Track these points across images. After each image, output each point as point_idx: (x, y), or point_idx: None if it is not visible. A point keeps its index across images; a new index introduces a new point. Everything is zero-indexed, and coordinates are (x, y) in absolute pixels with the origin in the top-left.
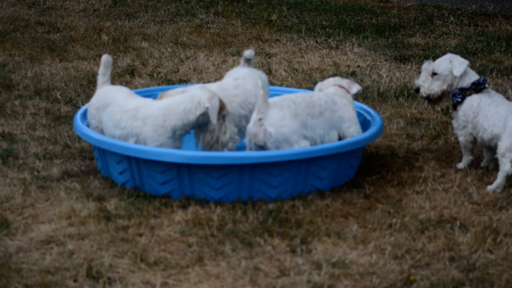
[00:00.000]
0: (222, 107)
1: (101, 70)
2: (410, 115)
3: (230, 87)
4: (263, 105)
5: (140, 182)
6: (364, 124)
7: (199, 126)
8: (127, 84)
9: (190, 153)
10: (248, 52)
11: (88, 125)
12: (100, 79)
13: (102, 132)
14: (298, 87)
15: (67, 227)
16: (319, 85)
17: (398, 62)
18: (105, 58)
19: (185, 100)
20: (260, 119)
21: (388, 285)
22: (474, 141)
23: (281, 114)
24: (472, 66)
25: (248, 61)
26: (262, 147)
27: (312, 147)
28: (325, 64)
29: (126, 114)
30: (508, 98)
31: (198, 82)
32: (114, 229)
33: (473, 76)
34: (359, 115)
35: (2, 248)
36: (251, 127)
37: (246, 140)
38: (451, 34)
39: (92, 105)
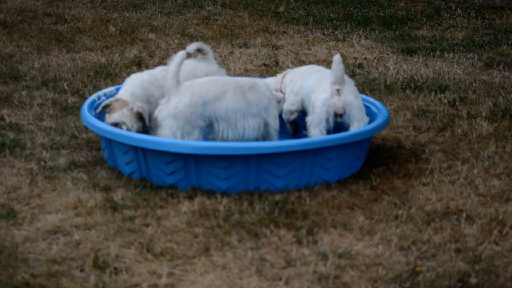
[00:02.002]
0: None
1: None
2: (417, 107)
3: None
4: (338, 79)
5: (146, 173)
6: (371, 116)
7: None
8: None
9: (197, 144)
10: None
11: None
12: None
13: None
14: None
15: (73, 217)
16: None
17: (405, 54)
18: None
19: None
20: (338, 90)
21: (394, 276)
22: None
23: (353, 88)
24: (479, 59)
25: (200, 52)
26: (339, 117)
27: (318, 138)
28: (332, 56)
29: None
30: None
31: None
32: (120, 219)
33: None
34: (366, 107)
35: (9, 238)
36: (328, 97)
37: (320, 114)
38: (458, 26)
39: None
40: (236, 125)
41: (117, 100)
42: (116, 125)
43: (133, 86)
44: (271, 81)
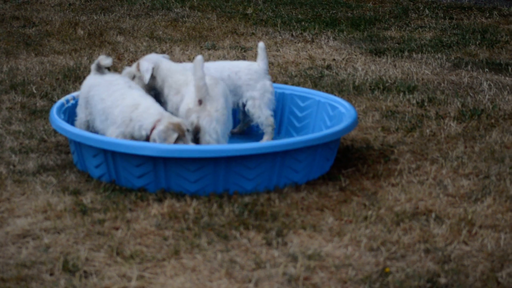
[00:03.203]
0: None
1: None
2: (385, 108)
3: None
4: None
5: (116, 176)
6: (339, 117)
7: None
8: None
9: (166, 146)
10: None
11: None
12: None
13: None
14: (274, 81)
15: (43, 221)
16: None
17: (374, 55)
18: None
19: None
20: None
21: (364, 277)
22: None
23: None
24: (447, 59)
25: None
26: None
27: (287, 140)
28: (300, 57)
29: None
30: (483, 91)
31: None
32: (90, 222)
33: None
34: (334, 108)
35: None
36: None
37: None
38: (426, 27)
39: None
40: None
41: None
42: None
43: None
44: None
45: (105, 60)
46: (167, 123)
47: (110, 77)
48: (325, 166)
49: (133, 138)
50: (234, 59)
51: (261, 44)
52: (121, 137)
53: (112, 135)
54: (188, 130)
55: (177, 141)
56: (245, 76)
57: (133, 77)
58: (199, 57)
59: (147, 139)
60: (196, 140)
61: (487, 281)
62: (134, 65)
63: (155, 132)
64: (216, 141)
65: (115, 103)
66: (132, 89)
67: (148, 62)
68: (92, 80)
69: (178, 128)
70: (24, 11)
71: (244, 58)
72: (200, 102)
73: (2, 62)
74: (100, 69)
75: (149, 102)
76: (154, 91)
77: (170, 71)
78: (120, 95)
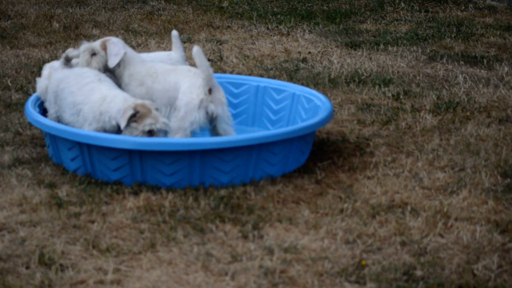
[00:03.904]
0: None
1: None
2: (361, 101)
3: None
4: None
5: (91, 169)
6: (314, 109)
7: None
8: None
9: (141, 139)
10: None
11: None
12: None
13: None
14: (249, 74)
15: (18, 214)
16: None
17: (349, 48)
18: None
19: None
20: None
21: (340, 269)
22: None
23: None
24: (422, 52)
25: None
26: None
27: (263, 133)
28: (276, 50)
29: None
30: (458, 84)
31: None
32: (66, 216)
33: None
34: (309, 100)
35: None
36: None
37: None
38: (401, 20)
39: None
40: None
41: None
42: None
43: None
44: None
45: (72, 52)
46: (129, 103)
47: (79, 69)
48: (300, 159)
49: (106, 132)
50: (210, 52)
51: (174, 32)
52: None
53: None
54: (157, 109)
55: (144, 120)
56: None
57: (93, 54)
58: (198, 48)
59: (119, 129)
60: (213, 128)
61: (463, 273)
62: (98, 42)
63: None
64: (231, 127)
65: (85, 100)
66: (101, 83)
67: (119, 47)
68: (61, 74)
69: (142, 106)
70: None
71: (220, 51)
72: (210, 91)
73: None
74: (68, 62)
75: (115, 92)
76: (109, 73)
77: (133, 59)
78: (90, 90)
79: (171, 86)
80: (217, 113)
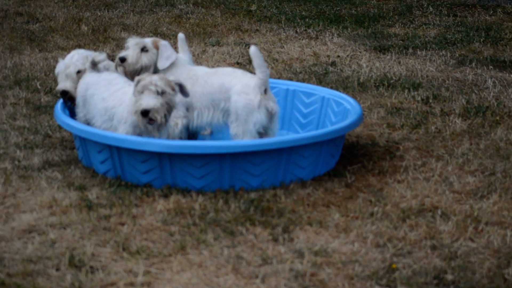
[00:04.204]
0: None
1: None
2: (390, 104)
3: None
4: None
5: (121, 172)
6: (344, 113)
7: None
8: None
9: (171, 142)
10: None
11: None
12: None
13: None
14: (278, 77)
15: (48, 216)
16: None
17: (378, 52)
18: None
19: None
20: None
21: (370, 273)
22: None
23: None
24: (451, 56)
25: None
26: None
27: (293, 136)
28: (305, 54)
29: None
30: (487, 88)
31: None
32: (96, 218)
33: None
34: (339, 104)
35: None
36: None
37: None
38: (430, 24)
39: None
40: None
41: None
42: None
43: None
44: None
45: (99, 56)
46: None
47: (108, 75)
48: (330, 163)
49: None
50: (239, 56)
51: (181, 35)
52: (132, 130)
53: (123, 133)
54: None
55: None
56: None
57: (143, 50)
58: (255, 48)
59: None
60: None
61: (494, 278)
62: (149, 40)
63: None
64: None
65: (118, 102)
66: (131, 86)
67: (171, 51)
68: (89, 78)
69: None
70: (27, 7)
71: (248, 54)
72: (265, 91)
73: (6, 58)
74: (95, 66)
75: None
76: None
77: (178, 62)
78: (123, 94)
79: (214, 88)
80: (275, 110)
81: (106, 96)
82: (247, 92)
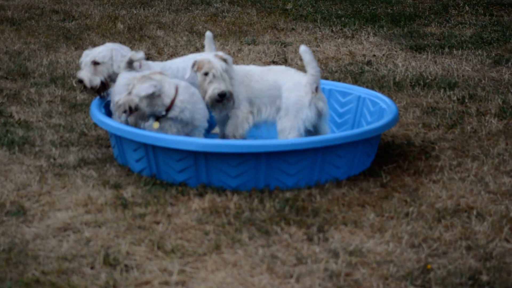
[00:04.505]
0: None
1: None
2: (426, 104)
3: None
4: None
5: (156, 170)
6: (380, 112)
7: None
8: None
9: (207, 141)
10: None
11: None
12: None
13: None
14: None
15: (84, 214)
16: None
17: (414, 51)
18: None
19: None
20: None
21: (405, 273)
22: None
23: None
24: (487, 56)
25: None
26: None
27: (328, 135)
28: (340, 53)
29: None
30: None
31: None
32: (131, 216)
33: None
34: (375, 103)
35: (19, 235)
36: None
37: None
38: (466, 23)
39: None
40: None
41: None
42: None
43: None
44: None
45: (137, 55)
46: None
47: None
48: (366, 162)
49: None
50: (274, 54)
51: (209, 33)
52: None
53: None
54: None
55: None
56: None
57: (223, 60)
58: (305, 46)
59: None
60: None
61: None
62: (220, 53)
63: None
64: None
65: None
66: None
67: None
68: (130, 77)
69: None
70: (63, 4)
71: (284, 53)
72: (316, 89)
73: (42, 56)
74: (131, 65)
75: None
76: None
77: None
78: None
79: (270, 85)
80: (325, 110)
81: None
82: (299, 89)
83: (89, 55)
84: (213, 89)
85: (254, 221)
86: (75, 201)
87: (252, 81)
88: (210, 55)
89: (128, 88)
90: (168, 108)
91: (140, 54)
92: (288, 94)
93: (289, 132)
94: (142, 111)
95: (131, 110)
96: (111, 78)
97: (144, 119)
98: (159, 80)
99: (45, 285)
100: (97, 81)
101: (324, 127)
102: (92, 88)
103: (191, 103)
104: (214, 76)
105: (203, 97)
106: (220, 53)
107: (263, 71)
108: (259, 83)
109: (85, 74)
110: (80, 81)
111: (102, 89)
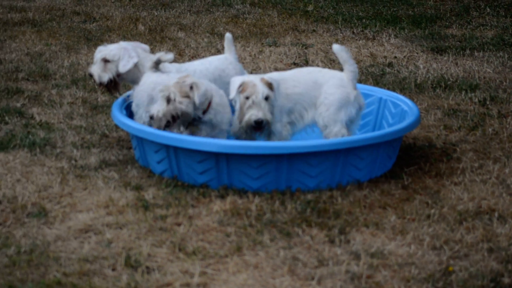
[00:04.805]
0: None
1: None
2: (447, 106)
3: None
4: None
5: (178, 172)
6: (401, 114)
7: None
8: None
9: (228, 143)
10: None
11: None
12: None
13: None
14: None
15: (105, 216)
16: None
17: (435, 53)
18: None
19: None
20: None
21: (427, 275)
22: None
23: None
24: (509, 58)
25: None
26: None
27: (350, 138)
28: (362, 55)
29: None
30: None
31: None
32: (152, 218)
33: None
34: (396, 105)
35: (40, 237)
36: None
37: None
38: (487, 25)
39: None
40: None
41: None
42: None
43: None
44: None
45: (165, 56)
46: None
47: (175, 75)
48: (387, 164)
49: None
50: (296, 56)
51: (229, 35)
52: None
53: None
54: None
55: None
56: (233, 71)
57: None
58: (339, 46)
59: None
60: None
61: None
62: (260, 79)
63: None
64: None
65: None
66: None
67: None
68: (156, 77)
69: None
70: (84, 6)
71: (305, 55)
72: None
73: (63, 57)
74: (157, 65)
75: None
76: None
77: None
78: None
79: (310, 86)
80: (363, 107)
81: None
82: (344, 85)
83: (101, 51)
84: (251, 115)
85: (275, 223)
86: (96, 202)
87: (289, 88)
88: (257, 78)
89: (163, 95)
90: (205, 111)
91: (169, 55)
92: (333, 90)
93: (332, 127)
94: (188, 118)
95: (174, 119)
96: (122, 77)
97: (184, 125)
98: (206, 85)
99: (67, 287)
100: (105, 77)
101: (357, 124)
102: (101, 84)
103: (222, 105)
104: (253, 102)
105: (240, 120)
106: (267, 77)
107: (296, 75)
108: (297, 87)
109: (95, 69)
110: (90, 76)
111: (113, 87)
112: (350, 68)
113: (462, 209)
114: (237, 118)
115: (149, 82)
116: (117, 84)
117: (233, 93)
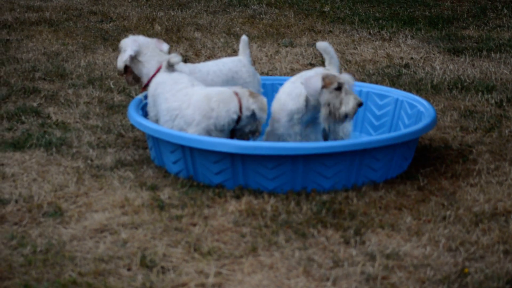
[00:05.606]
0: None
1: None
2: (463, 107)
3: None
4: None
5: (193, 172)
6: (418, 115)
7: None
8: None
9: (244, 143)
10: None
11: None
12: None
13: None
14: None
15: (120, 215)
16: None
17: (452, 54)
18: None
19: None
20: None
21: (442, 277)
22: None
23: None
24: None
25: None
26: None
27: (366, 138)
28: (378, 56)
29: None
30: None
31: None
32: (167, 218)
33: None
34: (412, 106)
35: (56, 236)
36: None
37: None
38: (504, 26)
39: None
40: None
41: None
42: None
43: None
44: None
45: (174, 58)
46: (255, 96)
47: (177, 75)
48: (403, 165)
49: (215, 130)
50: (312, 57)
51: (245, 37)
52: (204, 133)
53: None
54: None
55: None
56: (245, 74)
57: None
58: (324, 43)
59: (237, 121)
60: None
61: None
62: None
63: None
64: None
65: (183, 104)
66: (194, 87)
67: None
68: (159, 78)
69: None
70: (101, 6)
71: (321, 55)
72: None
73: (79, 57)
74: (171, 66)
75: (217, 88)
76: None
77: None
78: (184, 95)
79: None
80: None
81: (169, 96)
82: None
83: (125, 41)
84: (354, 98)
85: (290, 223)
86: (112, 202)
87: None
88: (319, 70)
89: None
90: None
91: (177, 58)
92: None
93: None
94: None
95: None
96: (132, 69)
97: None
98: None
99: (82, 286)
100: (120, 64)
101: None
102: (119, 72)
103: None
104: (350, 88)
105: (334, 113)
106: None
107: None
108: None
109: (119, 57)
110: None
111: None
112: (336, 63)
113: (478, 210)
114: (325, 115)
115: (153, 82)
116: (136, 77)
117: (316, 91)
